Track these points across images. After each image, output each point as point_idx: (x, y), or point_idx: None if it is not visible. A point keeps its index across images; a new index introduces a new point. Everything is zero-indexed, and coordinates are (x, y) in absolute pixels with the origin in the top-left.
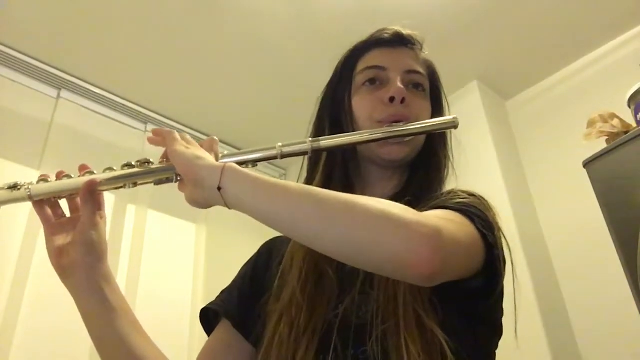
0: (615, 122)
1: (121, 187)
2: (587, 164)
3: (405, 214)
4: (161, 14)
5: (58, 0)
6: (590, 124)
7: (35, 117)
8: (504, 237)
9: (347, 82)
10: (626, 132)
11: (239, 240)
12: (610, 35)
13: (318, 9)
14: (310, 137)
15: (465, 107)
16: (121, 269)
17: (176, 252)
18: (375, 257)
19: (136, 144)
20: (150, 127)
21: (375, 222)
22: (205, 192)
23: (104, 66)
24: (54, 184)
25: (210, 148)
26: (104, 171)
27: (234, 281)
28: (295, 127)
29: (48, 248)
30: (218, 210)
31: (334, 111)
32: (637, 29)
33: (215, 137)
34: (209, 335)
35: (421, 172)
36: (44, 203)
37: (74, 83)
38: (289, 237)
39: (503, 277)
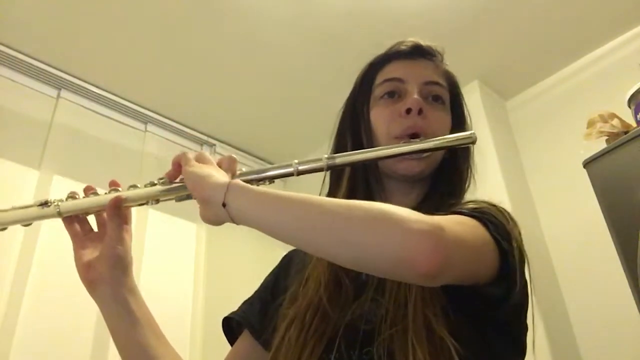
0: (615, 122)
1: (144, 204)
2: (587, 164)
3: (404, 214)
4: (161, 14)
5: (58, 0)
6: (590, 124)
7: (35, 117)
8: (525, 253)
9: (366, 95)
10: (626, 132)
11: (239, 241)
12: (610, 36)
13: (318, 9)
14: (330, 151)
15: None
16: None
17: (177, 252)
18: (376, 259)
19: (136, 144)
20: (150, 127)
21: (373, 223)
22: (213, 210)
23: (104, 66)
24: (82, 201)
25: (229, 167)
26: (129, 188)
27: (256, 291)
28: (295, 126)
29: (76, 263)
30: None
31: (353, 125)
32: (637, 29)
33: (234, 156)
34: (231, 345)
35: (442, 185)
36: (73, 219)
37: (74, 83)
38: (297, 248)
39: (517, 287)
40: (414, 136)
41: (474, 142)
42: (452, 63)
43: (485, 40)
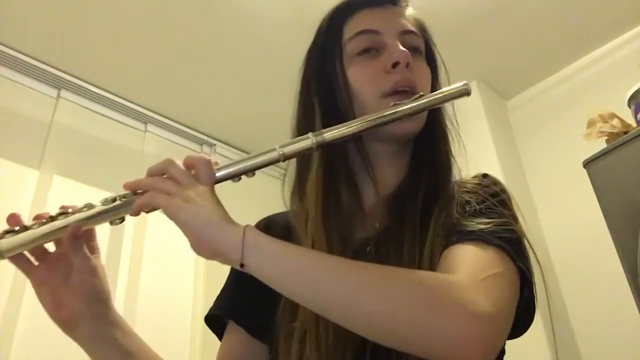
0: (615, 122)
1: (106, 223)
2: (587, 164)
3: (451, 298)
4: (161, 14)
5: (58, 0)
6: (590, 124)
7: (35, 117)
8: (528, 242)
9: (336, 53)
10: (626, 132)
11: None
12: (610, 35)
13: (318, 10)
14: (293, 129)
15: (465, 107)
16: (122, 271)
17: (177, 253)
18: (413, 343)
19: (136, 144)
20: (150, 127)
21: (417, 306)
22: (227, 262)
23: (104, 66)
24: (26, 235)
25: (207, 178)
26: (82, 208)
27: (229, 279)
28: None
29: (41, 301)
30: None
31: (324, 90)
32: (637, 29)
33: (207, 156)
34: (219, 338)
35: (428, 145)
36: (21, 255)
37: (74, 83)
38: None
39: (536, 307)
40: (405, 91)
41: (469, 93)
42: (451, 63)
43: (485, 40)
